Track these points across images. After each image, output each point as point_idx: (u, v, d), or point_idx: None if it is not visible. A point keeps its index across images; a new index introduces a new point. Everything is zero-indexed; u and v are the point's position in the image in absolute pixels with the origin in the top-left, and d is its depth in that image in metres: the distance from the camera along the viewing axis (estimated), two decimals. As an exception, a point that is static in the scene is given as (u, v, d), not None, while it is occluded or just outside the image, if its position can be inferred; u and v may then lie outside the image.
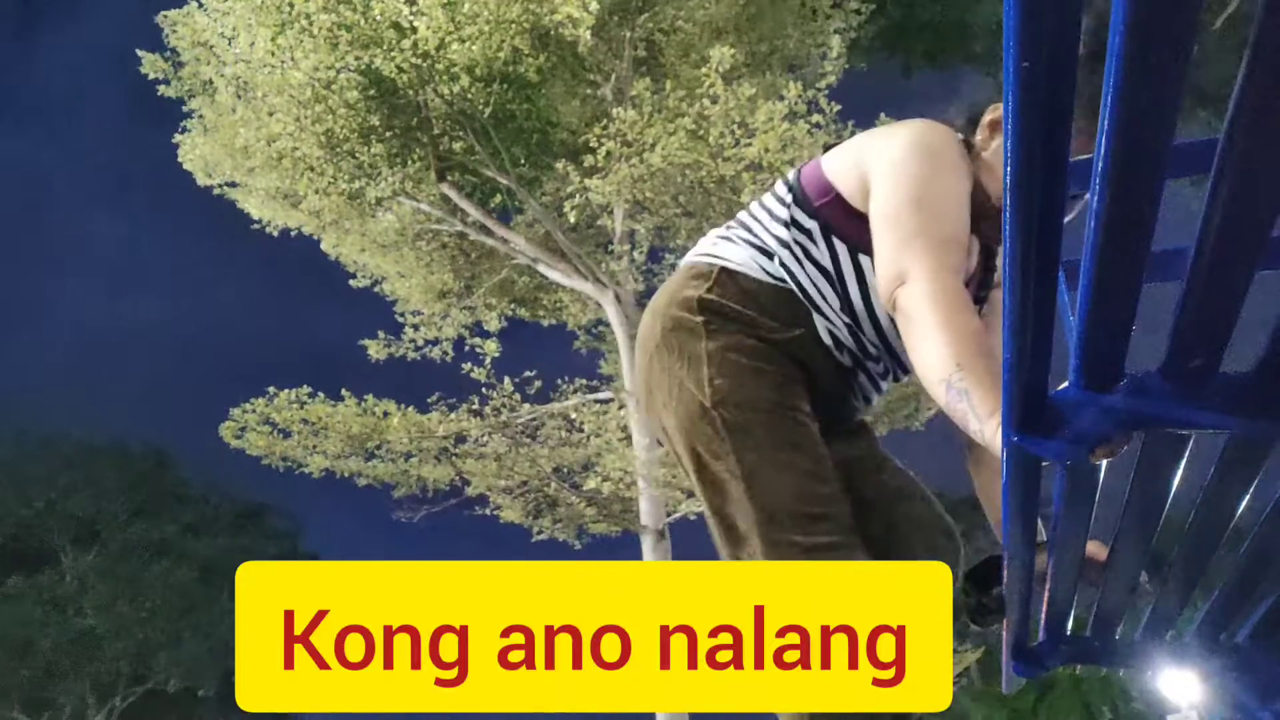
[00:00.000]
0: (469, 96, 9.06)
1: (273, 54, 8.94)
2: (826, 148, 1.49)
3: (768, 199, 1.46)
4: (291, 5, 8.66)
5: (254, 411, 10.18)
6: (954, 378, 1.05)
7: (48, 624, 18.63)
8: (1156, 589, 1.21)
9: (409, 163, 9.62)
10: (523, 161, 9.95)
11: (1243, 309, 0.62)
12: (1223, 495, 0.90)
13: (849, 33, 10.23)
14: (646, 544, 9.43)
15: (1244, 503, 0.91)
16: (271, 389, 10.19)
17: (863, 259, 1.35)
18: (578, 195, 9.11)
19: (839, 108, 8.72)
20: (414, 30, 8.64)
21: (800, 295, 1.36)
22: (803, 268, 1.36)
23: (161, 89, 10.30)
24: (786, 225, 1.39)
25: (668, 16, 9.80)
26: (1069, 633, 1.41)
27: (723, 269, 1.39)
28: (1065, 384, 0.74)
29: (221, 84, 9.77)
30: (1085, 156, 0.61)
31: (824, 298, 1.36)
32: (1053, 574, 1.13)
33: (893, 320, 1.30)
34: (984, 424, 0.98)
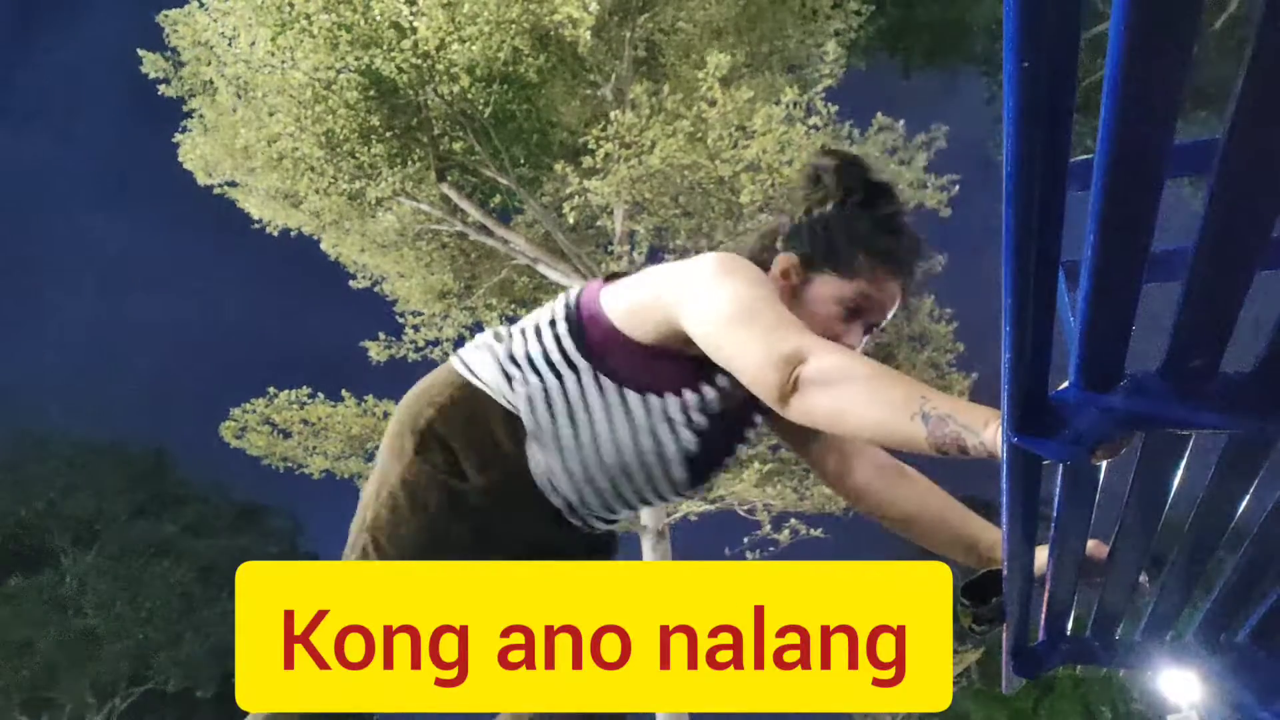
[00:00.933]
0: (469, 97, 9.07)
1: (273, 54, 8.95)
2: (608, 278, 1.40)
3: (544, 322, 1.38)
4: (291, 5, 8.66)
5: (254, 412, 10.20)
6: (926, 407, 1.00)
7: (48, 624, 18.65)
8: (1156, 589, 1.21)
9: (409, 163, 9.63)
10: (522, 162, 9.96)
11: (1243, 309, 0.62)
12: (1223, 495, 0.90)
13: (848, 33, 10.24)
14: (646, 544, 9.44)
15: (1244, 503, 0.91)
16: (271, 389, 10.21)
17: (629, 395, 1.30)
18: (577, 196, 9.12)
19: (836, 108, 8.74)
20: (414, 30, 8.65)
21: (532, 429, 1.31)
22: (548, 404, 1.31)
23: (162, 89, 10.31)
24: (552, 359, 1.33)
25: (668, 17, 9.81)
26: (1069, 633, 1.41)
27: (466, 384, 1.34)
28: (1065, 384, 0.74)
29: (222, 84, 9.78)
30: (1086, 157, 0.61)
31: (558, 437, 1.31)
32: (1053, 574, 1.13)
33: (635, 463, 1.30)
34: (981, 435, 0.97)
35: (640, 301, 1.31)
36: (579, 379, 1.32)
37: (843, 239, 1.33)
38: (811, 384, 1.09)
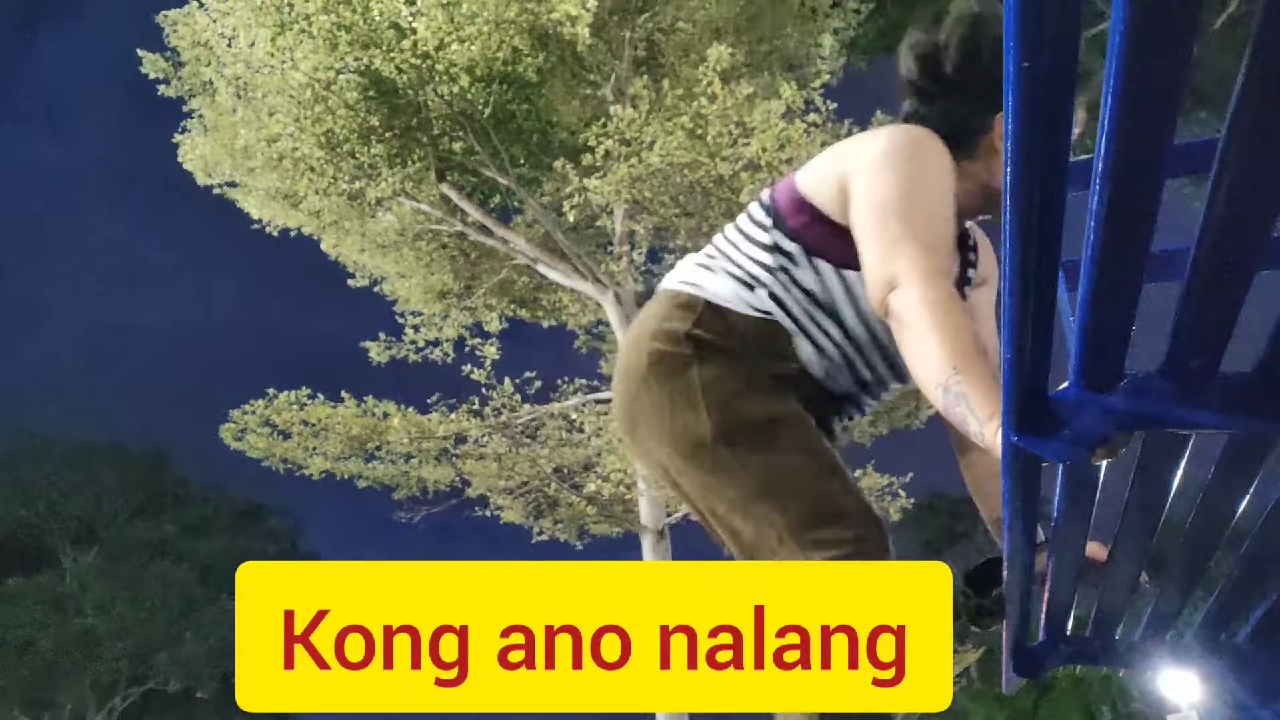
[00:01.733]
0: (468, 97, 9.07)
1: (273, 54, 8.94)
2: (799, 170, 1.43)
3: (744, 223, 1.42)
4: (291, 6, 8.66)
5: (254, 413, 10.18)
6: (951, 381, 1.04)
7: (48, 624, 18.64)
8: (1156, 589, 1.21)
9: (409, 163, 9.62)
10: (522, 161, 9.96)
11: (1243, 309, 0.62)
12: (1223, 495, 0.90)
13: (848, 31, 10.24)
14: (646, 544, 9.44)
15: (1244, 503, 0.91)
16: (271, 390, 10.20)
17: (849, 275, 1.32)
18: (577, 195, 9.12)
19: (835, 106, 8.73)
20: (413, 31, 8.64)
21: (790, 325, 1.33)
22: (790, 294, 1.33)
23: (161, 89, 10.30)
24: (769, 250, 1.35)
25: (667, 16, 9.81)
26: (1069, 633, 1.41)
27: (706, 303, 1.35)
28: (1065, 384, 0.74)
29: (221, 84, 9.77)
30: (1086, 157, 0.61)
31: (816, 323, 1.34)
32: (1053, 574, 1.13)
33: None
34: (984, 426, 0.98)
35: (826, 171, 1.35)
36: (796, 264, 1.34)
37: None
38: (892, 316, 1.18)
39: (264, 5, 8.79)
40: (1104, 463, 0.80)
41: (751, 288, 1.34)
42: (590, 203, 9.20)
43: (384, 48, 8.67)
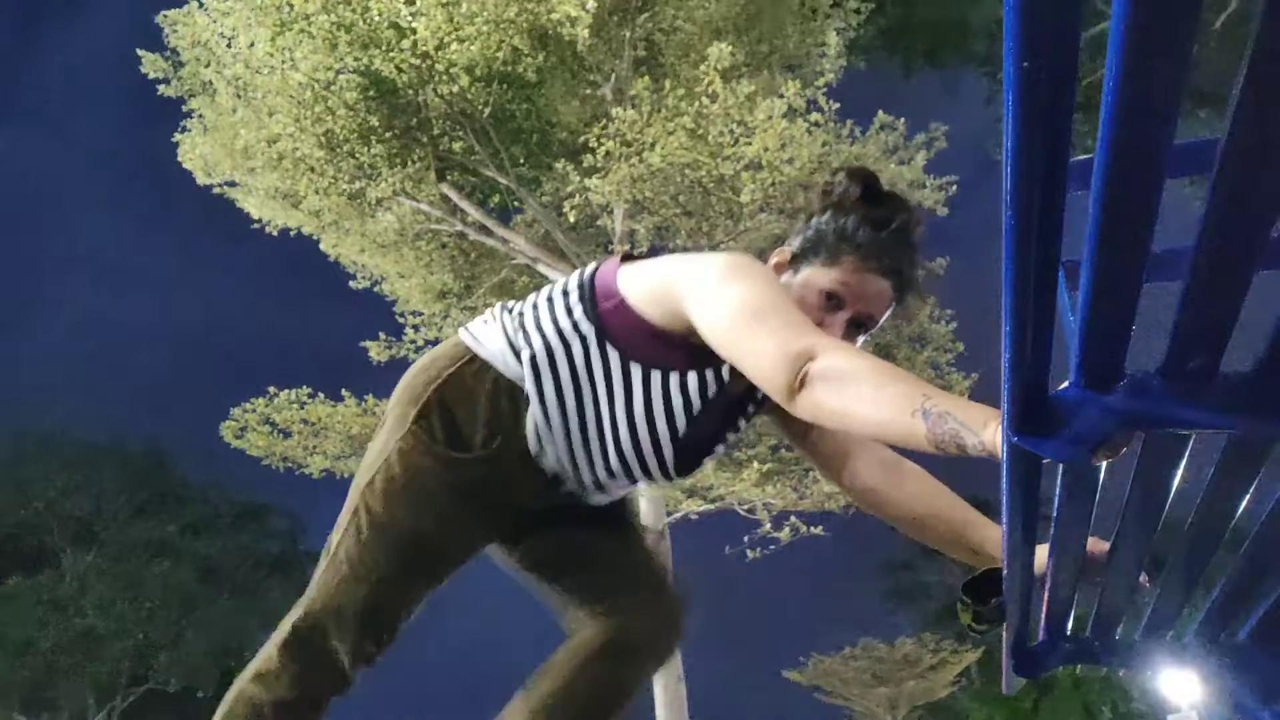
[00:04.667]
0: (468, 96, 9.07)
1: (272, 55, 8.95)
2: (624, 258, 1.42)
3: (556, 291, 1.42)
4: (291, 6, 8.66)
5: (254, 412, 10.20)
6: (927, 405, 1.01)
7: (48, 624, 18.65)
8: (1156, 589, 1.21)
9: (409, 163, 9.63)
10: (522, 161, 9.96)
11: (1243, 309, 0.62)
12: (1223, 495, 0.90)
13: (848, 32, 10.24)
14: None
15: (1244, 503, 0.91)
16: (271, 389, 10.21)
17: (633, 367, 1.33)
18: (577, 195, 9.12)
19: (838, 106, 8.73)
20: (413, 31, 8.65)
21: (533, 395, 1.34)
22: (552, 368, 1.34)
23: (161, 89, 10.31)
24: (561, 325, 1.36)
25: (667, 16, 9.81)
26: (1069, 633, 1.41)
27: (471, 356, 1.38)
28: (1065, 384, 0.74)
29: (221, 84, 9.78)
30: (1086, 156, 0.61)
31: (561, 403, 1.34)
32: (1053, 574, 1.13)
33: (629, 442, 1.33)
34: (980, 434, 0.97)
35: (655, 288, 1.34)
36: (585, 345, 1.35)
37: (831, 233, 1.37)
38: (819, 380, 1.12)
39: (264, 5, 8.80)
40: (1104, 463, 0.80)
41: (518, 354, 1.36)
42: (590, 203, 9.20)
43: (384, 48, 8.68)
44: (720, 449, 1.49)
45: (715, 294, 1.25)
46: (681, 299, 1.29)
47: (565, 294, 1.40)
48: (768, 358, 1.17)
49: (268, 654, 1.39)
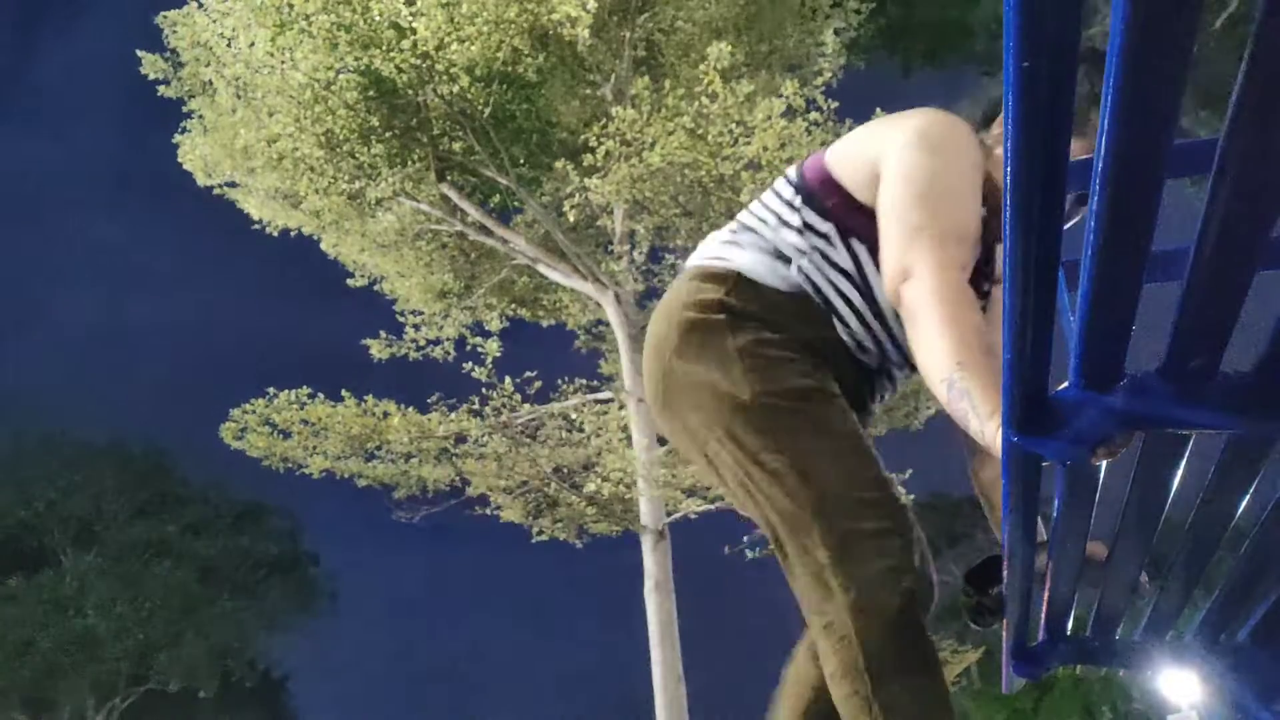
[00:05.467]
0: (468, 96, 9.06)
1: (272, 55, 8.94)
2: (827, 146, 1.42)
3: (771, 200, 1.41)
4: (291, 6, 8.66)
5: (254, 412, 10.18)
6: (955, 377, 1.04)
7: (48, 624, 18.63)
8: (1156, 589, 1.21)
9: (409, 163, 9.62)
10: (522, 161, 9.95)
11: (1243, 309, 0.62)
12: (1223, 495, 0.90)
13: (848, 31, 10.24)
14: (646, 544, 9.43)
15: (1244, 503, 0.91)
16: (271, 389, 10.19)
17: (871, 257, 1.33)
18: (577, 195, 9.12)
19: (837, 105, 8.73)
20: (413, 31, 8.64)
21: (821, 302, 1.33)
22: (823, 274, 1.33)
23: (161, 89, 10.30)
24: (800, 231, 1.35)
25: (667, 16, 9.80)
26: (1069, 633, 1.41)
27: (738, 275, 1.34)
28: (1065, 384, 0.74)
29: (221, 85, 9.78)
30: (1086, 156, 0.61)
31: (848, 303, 1.33)
32: (1053, 574, 1.13)
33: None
34: (984, 424, 0.98)
35: (857, 152, 1.35)
36: (830, 244, 1.35)
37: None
38: (903, 307, 1.19)
39: (264, 5, 8.79)
40: (1104, 463, 0.80)
41: (786, 262, 1.34)
42: (590, 203, 9.19)
43: (384, 48, 8.67)
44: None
45: (895, 164, 1.27)
46: (876, 160, 1.30)
47: (789, 203, 1.39)
48: (886, 254, 1.23)
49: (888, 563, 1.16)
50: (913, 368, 1.41)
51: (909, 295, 1.16)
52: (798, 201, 1.37)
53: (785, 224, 1.37)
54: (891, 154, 1.28)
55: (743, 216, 1.44)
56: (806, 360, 1.29)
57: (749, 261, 1.35)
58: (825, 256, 1.34)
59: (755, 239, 1.38)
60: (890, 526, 1.17)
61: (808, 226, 1.35)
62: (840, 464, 1.21)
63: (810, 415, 1.24)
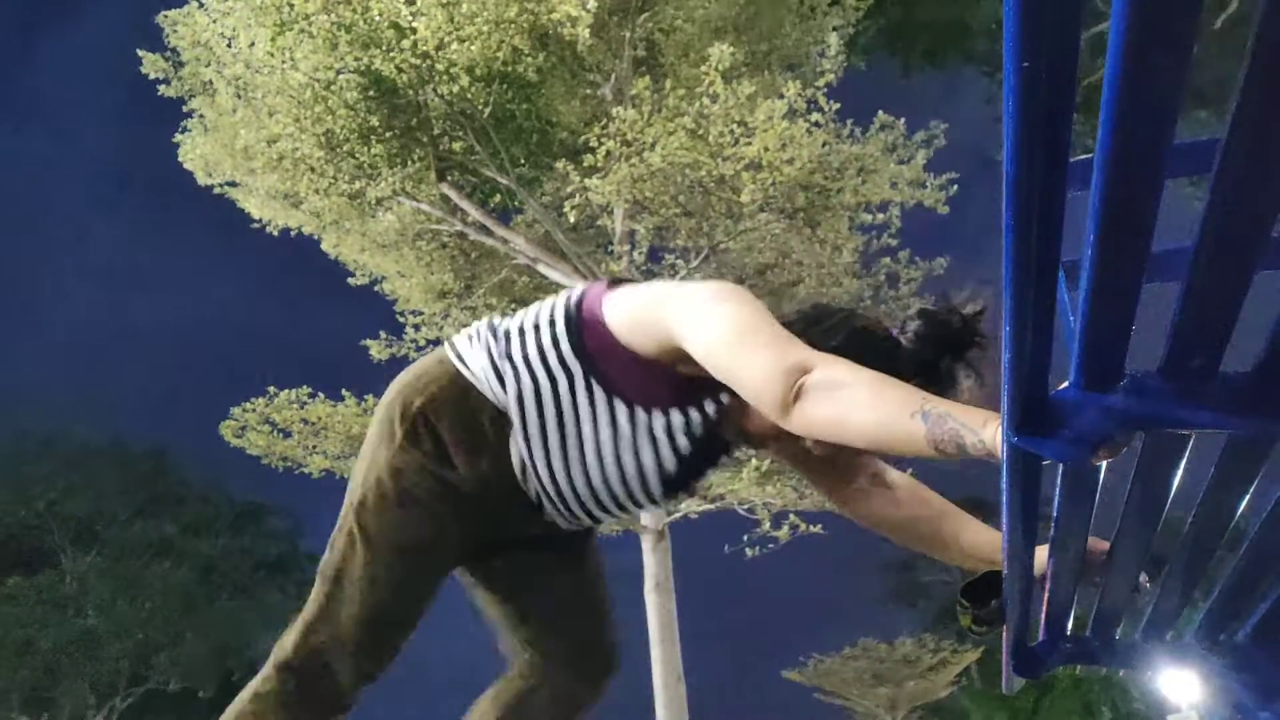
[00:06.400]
0: (469, 96, 9.06)
1: (272, 55, 8.94)
2: (611, 283, 1.41)
3: (543, 320, 1.39)
4: (291, 6, 8.66)
5: (254, 411, 10.19)
6: (926, 406, 1.02)
7: (48, 624, 18.64)
8: (1156, 589, 1.21)
9: (409, 163, 9.62)
10: (522, 161, 9.96)
11: (1243, 309, 0.62)
12: (1223, 495, 0.90)
13: (847, 30, 10.24)
14: (646, 544, 9.44)
15: (1244, 503, 0.91)
16: (271, 389, 10.20)
17: (618, 406, 1.32)
18: (577, 195, 9.12)
19: (838, 105, 8.73)
20: (413, 31, 8.64)
21: (518, 427, 1.33)
22: (538, 405, 1.33)
23: (161, 89, 10.30)
24: (547, 359, 1.34)
25: (667, 16, 9.81)
26: (1069, 633, 1.41)
27: (456, 376, 1.36)
28: (1065, 384, 0.74)
29: (221, 84, 9.78)
30: (1086, 156, 0.61)
31: (544, 438, 1.33)
32: (1053, 574, 1.13)
33: (615, 474, 1.33)
34: (980, 433, 0.97)
35: (642, 314, 1.32)
36: (571, 383, 1.33)
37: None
38: (815, 390, 1.12)
39: (264, 5, 8.79)
40: (1104, 463, 0.80)
41: (503, 381, 1.34)
42: (590, 203, 9.20)
43: (384, 48, 8.67)
44: (700, 481, 1.50)
45: (706, 314, 1.25)
46: (671, 324, 1.27)
47: (551, 324, 1.37)
48: (762, 372, 1.16)
49: (266, 674, 1.37)
50: (596, 517, 1.43)
51: (822, 376, 1.12)
52: (560, 332, 1.36)
53: (539, 346, 1.36)
54: (698, 305, 1.26)
55: (515, 318, 1.43)
56: (437, 516, 1.36)
57: (476, 364, 1.37)
58: (555, 390, 1.33)
59: (499, 347, 1.38)
60: (336, 668, 1.36)
61: (561, 359, 1.34)
62: (360, 609, 1.36)
63: (380, 560, 1.36)
